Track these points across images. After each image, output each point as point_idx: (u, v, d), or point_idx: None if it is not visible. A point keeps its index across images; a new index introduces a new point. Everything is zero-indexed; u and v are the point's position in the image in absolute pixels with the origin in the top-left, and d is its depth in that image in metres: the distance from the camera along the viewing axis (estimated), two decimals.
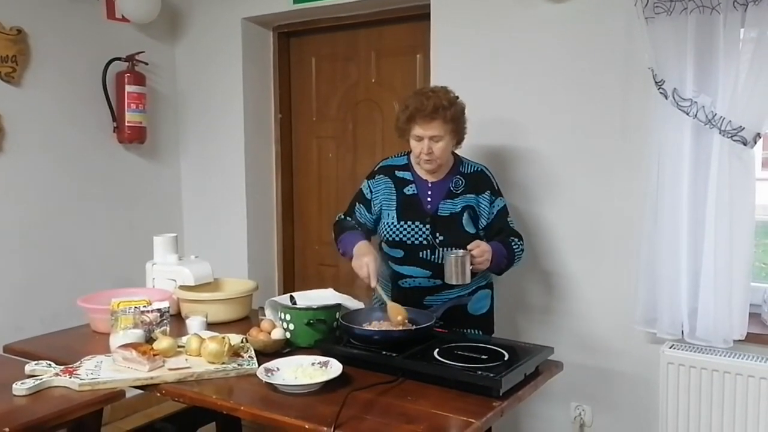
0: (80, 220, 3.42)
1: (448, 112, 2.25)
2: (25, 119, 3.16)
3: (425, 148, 2.27)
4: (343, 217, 2.49)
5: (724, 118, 2.26)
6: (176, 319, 2.42)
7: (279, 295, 2.72)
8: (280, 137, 3.77)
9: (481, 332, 2.43)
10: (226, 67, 3.64)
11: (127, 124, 3.48)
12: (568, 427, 2.81)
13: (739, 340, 2.36)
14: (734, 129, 2.25)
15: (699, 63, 2.31)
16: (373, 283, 2.17)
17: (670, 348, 2.45)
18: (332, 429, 1.52)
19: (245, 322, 2.45)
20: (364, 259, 2.18)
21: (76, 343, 2.23)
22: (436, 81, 2.85)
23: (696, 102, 2.30)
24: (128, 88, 3.45)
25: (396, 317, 2.09)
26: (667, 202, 2.42)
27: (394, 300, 2.32)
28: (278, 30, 3.69)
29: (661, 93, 2.36)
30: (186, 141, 3.85)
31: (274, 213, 3.80)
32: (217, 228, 3.78)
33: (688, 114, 2.32)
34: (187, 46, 3.79)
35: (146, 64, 3.57)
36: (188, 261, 2.66)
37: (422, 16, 3.08)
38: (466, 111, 2.35)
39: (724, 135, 2.27)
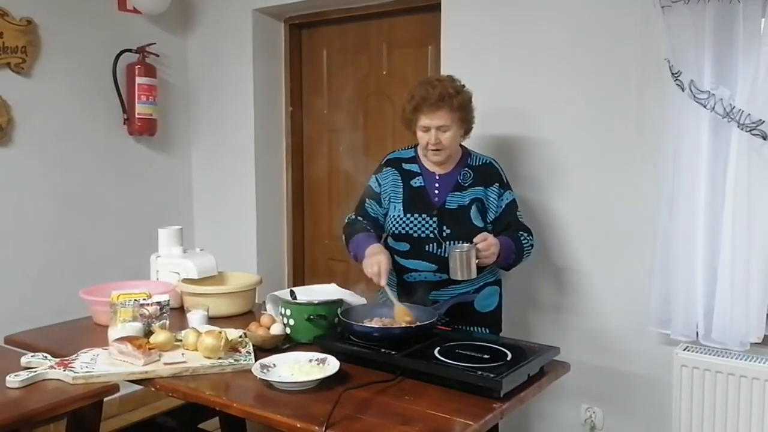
0: (90, 211, 3.41)
1: (455, 100, 2.20)
2: (35, 110, 3.15)
3: (432, 138, 2.22)
4: (354, 217, 2.43)
5: (743, 111, 2.17)
6: (179, 313, 2.39)
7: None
8: (291, 130, 3.73)
9: (488, 330, 2.37)
10: (237, 59, 3.61)
11: (137, 115, 3.46)
12: (578, 429, 2.74)
13: (757, 343, 2.28)
14: (753, 123, 2.16)
15: (717, 54, 2.23)
16: (382, 282, 2.12)
17: (684, 350, 2.37)
18: (324, 428, 1.47)
19: (248, 316, 2.42)
20: (376, 258, 2.14)
21: (77, 335, 2.22)
22: (446, 72, 2.78)
23: (714, 94, 2.21)
24: (139, 80, 3.44)
25: (404, 319, 2.04)
26: (683, 198, 2.34)
27: (398, 294, 2.29)
28: (290, 21, 3.65)
29: (677, 85, 2.28)
30: (197, 133, 3.84)
31: (284, 206, 3.77)
32: (227, 221, 3.76)
33: (705, 107, 2.23)
34: (198, 38, 3.76)
35: (157, 55, 3.55)
36: (192, 254, 2.64)
37: (433, 7, 3.02)
38: (475, 101, 2.30)
39: (742, 129, 2.18)
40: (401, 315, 2.05)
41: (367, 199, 2.40)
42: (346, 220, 2.45)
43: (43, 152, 3.21)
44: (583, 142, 2.65)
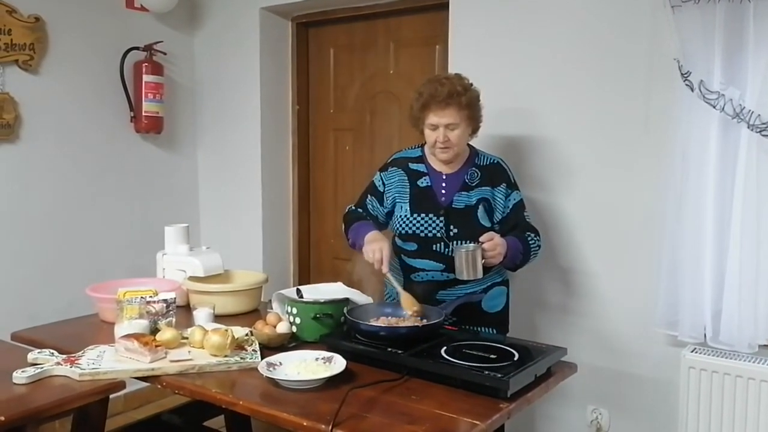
0: (96, 209, 3.42)
1: (463, 98, 2.19)
2: (42, 107, 3.16)
3: (441, 136, 2.21)
4: (353, 208, 2.44)
5: (752, 112, 2.16)
6: (185, 311, 2.39)
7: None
8: (297, 129, 3.73)
9: (495, 330, 2.36)
10: (244, 57, 3.61)
11: (144, 113, 3.46)
12: (584, 431, 2.73)
13: (765, 345, 2.27)
14: (763, 123, 2.15)
15: (727, 54, 2.22)
16: (385, 269, 2.11)
17: (692, 352, 2.35)
18: (330, 427, 1.47)
19: (254, 314, 2.41)
20: (376, 245, 2.14)
21: (84, 332, 2.22)
22: (454, 71, 2.78)
23: (723, 95, 2.20)
24: (146, 78, 3.44)
25: (411, 308, 2.04)
26: (692, 199, 2.33)
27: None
28: (297, 20, 3.65)
29: (687, 85, 2.27)
30: (203, 131, 3.84)
31: (290, 205, 3.77)
32: (233, 219, 3.76)
33: (715, 107, 2.22)
34: (205, 36, 3.76)
35: (164, 53, 3.56)
36: (199, 252, 2.63)
37: (441, 6, 3.02)
38: (482, 100, 2.29)
39: (752, 129, 2.17)
40: (408, 304, 2.05)
41: (369, 195, 2.41)
42: (346, 210, 2.46)
43: (50, 149, 3.21)
44: (590, 142, 2.64)
